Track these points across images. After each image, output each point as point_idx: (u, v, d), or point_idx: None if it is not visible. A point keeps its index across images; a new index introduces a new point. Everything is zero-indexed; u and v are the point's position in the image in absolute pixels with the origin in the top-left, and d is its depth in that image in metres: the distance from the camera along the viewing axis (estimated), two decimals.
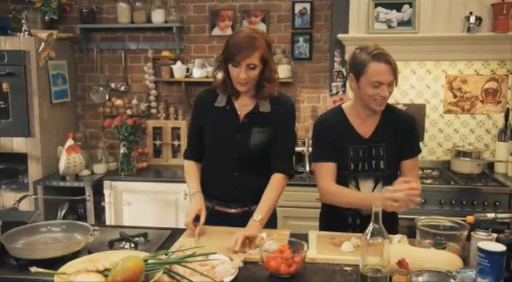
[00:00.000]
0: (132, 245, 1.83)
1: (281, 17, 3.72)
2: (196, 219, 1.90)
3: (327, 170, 1.98)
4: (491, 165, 3.42)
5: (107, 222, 3.44)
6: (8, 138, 3.44)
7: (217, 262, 1.57)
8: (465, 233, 1.64)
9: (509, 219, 1.56)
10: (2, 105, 3.41)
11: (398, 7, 3.17)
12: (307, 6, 3.65)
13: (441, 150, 3.59)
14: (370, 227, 1.43)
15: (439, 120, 3.55)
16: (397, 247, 1.61)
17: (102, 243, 1.83)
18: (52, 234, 1.82)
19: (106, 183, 3.43)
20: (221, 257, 1.62)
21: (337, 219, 2.03)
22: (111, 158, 3.69)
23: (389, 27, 3.20)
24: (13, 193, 3.44)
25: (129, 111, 3.85)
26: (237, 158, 1.99)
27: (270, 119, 1.98)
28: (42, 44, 3.38)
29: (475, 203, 2.99)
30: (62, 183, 3.39)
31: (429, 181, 3.16)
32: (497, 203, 2.97)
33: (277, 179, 1.98)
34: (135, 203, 3.43)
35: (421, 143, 3.51)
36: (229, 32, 3.68)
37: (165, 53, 3.78)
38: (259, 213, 1.88)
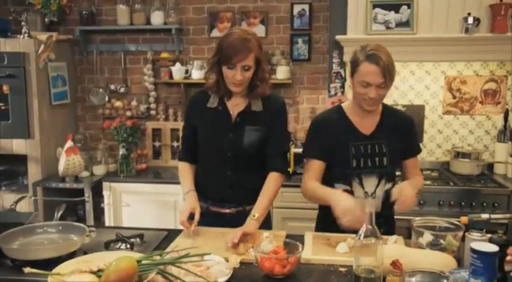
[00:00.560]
0: (128, 246, 1.83)
1: (280, 19, 3.73)
2: (191, 217, 1.92)
3: (312, 167, 2.02)
4: (490, 166, 3.41)
5: (106, 224, 3.44)
6: (7, 140, 3.46)
7: (211, 263, 1.57)
8: (460, 233, 1.64)
9: (503, 219, 1.56)
10: (2, 107, 3.43)
11: (396, 8, 3.17)
12: (306, 7, 3.65)
13: (440, 151, 3.58)
14: (364, 228, 1.44)
15: (438, 121, 3.55)
16: (391, 248, 1.61)
17: (98, 244, 1.83)
18: (48, 235, 1.82)
19: (105, 184, 3.44)
20: (216, 258, 1.62)
21: (333, 220, 2.02)
22: (110, 159, 3.70)
23: (388, 28, 3.20)
24: (13, 194, 3.45)
25: (128, 113, 3.86)
26: (231, 157, 2.00)
27: (263, 118, 2.00)
28: (42, 46, 3.40)
29: (474, 204, 2.98)
30: (61, 185, 3.40)
31: (428, 182, 3.15)
32: (496, 204, 2.96)
33: (273, 178, 1.99)
34: (134, 204, 3.44)
35: (420, 144, 3.52)
36: None
37: (164, 55, 3.79)
38: (257, 211, 1.89)
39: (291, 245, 1.65)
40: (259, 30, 3.70)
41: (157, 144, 3.85)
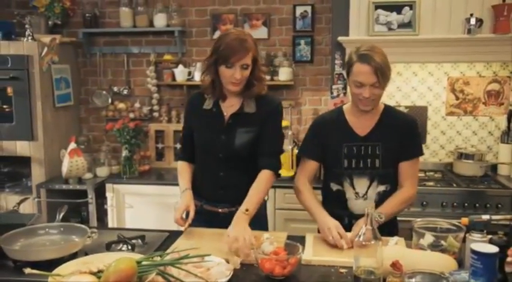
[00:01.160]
0: (129, 247, 1.84)
1: (282, 20, 3.73)
2: (186, 215, 1.95)
3: (305, 167, 2.10)
4: (494, 168, 3.40)
5: (109, 225, 3.45)
6: (11, 142, 3.48)
7: (212, 264, 1.57)
8: (461, 235, 1.64)
9: (504, 221, 1.55)
10: (6, 109, 3.45)
11: (398, 9, 3.16)
12: (308, 9, 3.66)
13: (443, 153, 3.57)
14: (363, 229, 1.43)
15: (442, 122, 3.54)
16: (391, 249, 1.61)
17: (100, 245, 1.84)
18: (50, 237, 1.83)
19: (108, 186, 3.46)
20: (216, 259, 1.62)
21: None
22: (113, 161, 3.71)
23: (390, 29, 3.19)
24: (17, 196, 3.46)
25: (131, 115, 3.88)
26: (223, 159, 2.03)
27: (255, 119, 2.01)
28: (45, 49, 3.42)
29: (477, 205, 2.96)
30: (64, 186, 3.41)
31: (431, 183, 3.14)
32: (499, 206, 2.95)
33: (264, 175, 2.00)
34: (137, 206, 3.45)
35: (423, 145, 3.50)
36: None
37: (167, 57, 3.81)
38: (246, 205, 1.88)
39: (292, 246, 1.65)
40: (262, 32, 3.71)
41: (160, 146, 3.87)
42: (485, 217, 1.56)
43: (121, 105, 3.93)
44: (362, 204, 1.99)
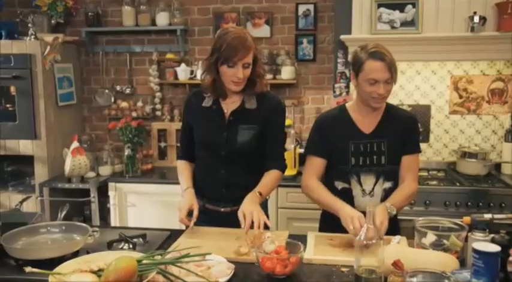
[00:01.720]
0: (131, 246, 1.84)
1: (285, 19, 3.72)
2: (190, 214, 1.94)
3: (314, 165, 2.07)
4: (497, 166, 3.38)
5: (112, 224, 3.46)
6: (14, 141, 3.49)
7: (212, 263, 1.57)
8: (463, 234, 1.63)
9: (507, 220, 1.54)
10: (9, 108, 3.46)
11: (401, 7, 3.15)
12: (311, 7, 3.65)
13: (447, 151, 3.55)
14: (365, 228, 1.43)
15: (445, 121, 3.52)
16: (393, 248, 1.60)
17: (101, 244, 1.84)
18: (51, 235, 1.84)
19: (111, 185, 3.46)
20: (217, 258, 1.62)
21: (336, 219, 2.02)
22: (116, 160, 3.71)
23: (393, 27, 3.18)
24: (20, 195, 3.46)
25: (134, 114, 3.88)
26: (224, 156, 2.02)
27: (256, 116, 2.01)
28: (48, 48, 3.42)
29: (481, 204, 2.95)
30: (67, 185, 3.42)
31: (434, 182, 3.13)
32: (503, 205, 2.93)
33: (274, 173, 2.04)
34: (140, 205, 3.45)
35: (426, 144, 3.51)
36: None
37: (170, 56, 3.80)
38: (260, 188, 1.94)
39: (293, 245, 1.64)
40: (264, 31, 3.71)
41: (162, 144, 3.87)
42: (488, 216, 1.55)
43: (124, 104, 3.93)
44: (369, 201, 1.98)
